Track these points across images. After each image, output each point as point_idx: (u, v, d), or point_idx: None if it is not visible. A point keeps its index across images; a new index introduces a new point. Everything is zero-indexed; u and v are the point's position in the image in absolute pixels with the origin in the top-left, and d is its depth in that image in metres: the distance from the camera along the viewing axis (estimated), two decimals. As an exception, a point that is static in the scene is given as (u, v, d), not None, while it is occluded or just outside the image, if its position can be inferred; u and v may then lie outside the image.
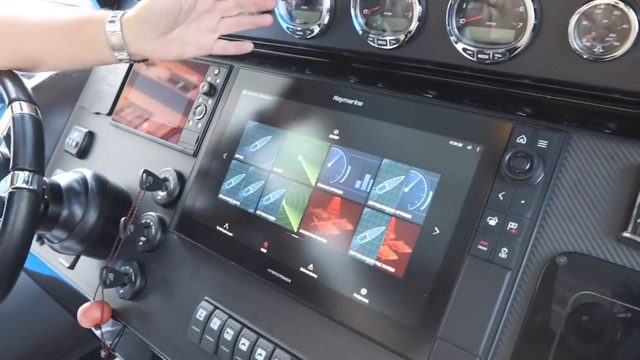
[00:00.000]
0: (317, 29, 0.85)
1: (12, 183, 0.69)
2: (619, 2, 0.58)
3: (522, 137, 0.66)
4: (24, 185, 0.69)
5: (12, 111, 0.73)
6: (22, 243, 0.68)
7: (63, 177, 0.98)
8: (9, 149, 0.83)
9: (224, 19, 0.82)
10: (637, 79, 0.60)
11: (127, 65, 1.17)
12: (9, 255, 0.67)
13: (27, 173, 0.69)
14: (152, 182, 0.94)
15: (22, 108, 0.73)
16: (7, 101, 0.75)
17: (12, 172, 0.69)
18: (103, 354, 0.99)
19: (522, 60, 0.68)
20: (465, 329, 0.64)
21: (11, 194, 0.68)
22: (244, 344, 0.79)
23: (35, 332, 1.29)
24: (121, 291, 0.97)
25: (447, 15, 0.71)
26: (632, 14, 0.58)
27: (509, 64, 0.69)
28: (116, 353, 1.03)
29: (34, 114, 0.73)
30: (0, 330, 1.23)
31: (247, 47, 0.86)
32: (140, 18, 0.76)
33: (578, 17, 0.61)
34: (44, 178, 0.85)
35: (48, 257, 1.14)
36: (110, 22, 0.76)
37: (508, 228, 0.64)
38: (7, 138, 0.81)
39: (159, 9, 0.74)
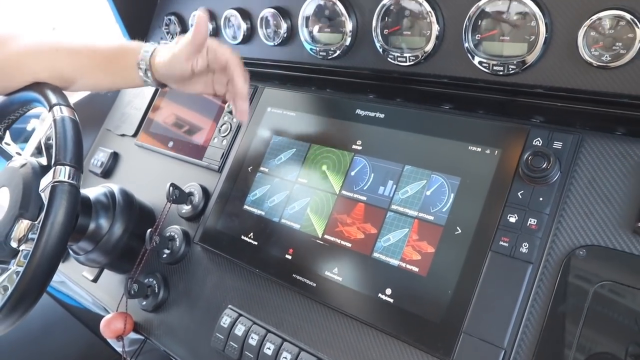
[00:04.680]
0: (339, 50, 0.91)
1: (54, 177, 0.72)
2: (623, 13, 0.64)
3: (538, 140, 0.71)
4: (66, 180, 0.72)
5: (54, 115, 0.78)
6: (63, 235, 0.71)
7: (92, 191, 1.02)
8: (47, 154, 0.88)
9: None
10: (643, 83, 0.65)
11: (153, 90, 1.23)
12: (50, 246, 0.70)
13: (68, 168, 0.73)
14: (178, 195, 0.97)
15: (63, 111, 0.78)
16: (48, 107, 0.80)
17: (54, 168, 0.73)
18: (123, 367, 0.99)
19: (535, 71, 0.73)
20: (489, 322, 0.66)
21: (53, 187, 0.72)
22: (269, 349, 0.81)
23: (60, 354, 1.29)
24: (144, 303, 0.99)
25: (463, 32, 0.77)
26: (635, 24, 0.63)
27: (523, 75, 0.74)
28: (136, 367, 1.03)
29: (73, 116, 0.78)
30: (25, 352, 1.24)
31: (243, 118, 0.90)
32: (163, 69, 0.86)
33: (586, 29, 0.67)
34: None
35: (70, 273, 1.16)
36: (142, 60, 0.86)
37: (528, 224, 0.68)
38: (47, 144, 0.85)
39: (174, 71, 0.85)
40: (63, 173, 0.75)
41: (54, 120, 0.79)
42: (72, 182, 0.75)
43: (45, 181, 0.77)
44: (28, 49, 0.87)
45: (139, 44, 0.88)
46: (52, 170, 0.75)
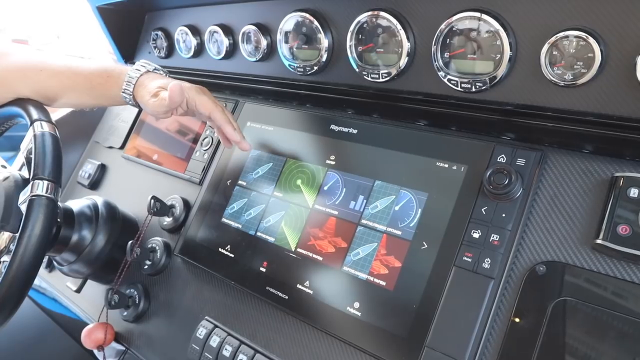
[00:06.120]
0: (316, 66, 0.92)
1: (32, 191, 0.74)
2: (582, 33, 0.65)
3: (502, 157, 0.72)
4: (43, 193, 0.74)
5: (34, 130, 0.80)
6: (39, 246, 0.72)
7: (76, 203, 1.04)
8: (28, 168, 0.90)
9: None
10: (603, 102, 0.66)
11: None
12: (27, 258, 0.71)
13: (46, 182, 0.75)
14: (160, 207, 0.99)
15: (43, 127, 0.80)
16: (29, 122, 0.82)
17: (32, 182, 0.75)
18: (104, 377, 1.00)
19: (501, 88, 0.74)
20: (452, 337, 0.67)
21: (31, 201, 0.73)
22: (241, 360, 0.82)
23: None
24: (125, 313, 1.00)
25: (432, 50, 0.79)
26: (594, 44, 0.64)
27: (490, 92, 0.75)
28: (117, 377, 1.04)
29: (53, 132, 0.80)
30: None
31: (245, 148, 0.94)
32: (144, 107, 0.88)
33: (548, 48, 0.68)
34: (58, 203, 0.92)
35: (56, 283, 1.18)
36: (125, 89, 0.89)
37: (490, 240, 0.68)
38: (28, 157, 0.87)
39: (156, 113, 0.87)
40: (41, 187, 0.77)
41: (34, 136, 0.82)
42: (49, 196, 0.77)
43: (24, 195, 0.79)
44: (14, 67, 0.89)
45: (122, 69, 0.90)
46: (30, 184, 0.78)
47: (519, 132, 0.75)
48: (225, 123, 0.89)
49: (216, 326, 0.88)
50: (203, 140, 1.08)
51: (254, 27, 1.00)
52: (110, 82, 0.89)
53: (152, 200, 0.98)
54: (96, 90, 0.90)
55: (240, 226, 0.93)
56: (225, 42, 1.06)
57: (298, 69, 0.95)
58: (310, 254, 0.83)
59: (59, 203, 0.94)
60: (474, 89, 0.76)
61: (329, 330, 0.77)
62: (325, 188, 0.86)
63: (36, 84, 0.89)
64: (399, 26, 0.81)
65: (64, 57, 0.92)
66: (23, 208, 0.79)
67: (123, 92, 0.89)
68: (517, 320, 0.65)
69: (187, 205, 1.03)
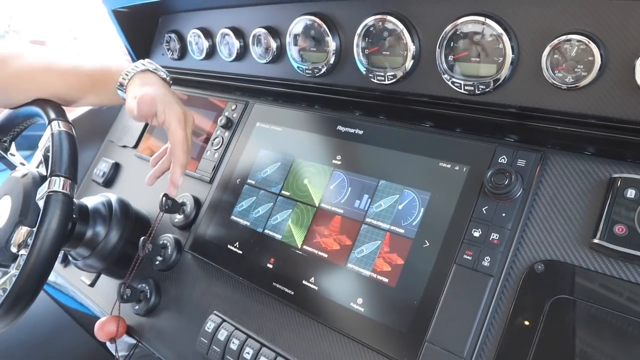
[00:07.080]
0: (324, 68, 0.95)
1: (49, 187, 0.77)
2: (582, 37, 0.66)
3: (503, 157, 0.73)
4: (60, 190, 0.77)
5: (52, 129, 0.83)
6: (55, 240, 0.76)
7: (90, 200, 1.07)
8: (46, 165, 0.93)
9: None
10: (604, 104, 0.67)
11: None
12: (44, 251, 0.75)
13: (62, 179, 0.78)
14: (171, 205, 1.02)
15: (60, 126, 0.84)
16: (47, 121, 0.85)
17: (49, 178, 0.78)
18: (116, 369, 1.04)
19: (504, 91, 0.76)
20: (451, 332, 0.69)
21: (48, 197, 0.77)
22: (248, 353, 0.84)
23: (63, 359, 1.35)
24: (136, 307, 1.03)
25: (437, 53, 0.80)
26: (594, 47, 0.66)
27: (493, 95, 0.77)
28: (128, 369, 1.07)
29: (69, 131, 0.83)
30: (28, 358, 1.29)
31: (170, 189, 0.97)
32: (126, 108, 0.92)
33: (549, 51, 0.70)
34: (74, 200, 0.95)
35: (71, 278, 1.22)
36: (120, 85, 0.92)
37: (490, 238, 0.70)
38: (45, 155, 0.91)
39: (130, 115, 0.90)
40: (58, 183, 0.80)
41: (52, 134, 0.85)
42: (65, 192, 0.80)
43: (42, 190, 0.83)
44: (25, 69, 0.92)
45: (120, 67, 0.93)
46: (47, 181, 0.81)
47: (522, 133, 0.77)
48: (178, 165, 0.92)
49: (224, 320, 0.90)
50: (214, 140, 1.11)
51: (264, 30, 1.02)
52: (108, 79, 0.92)
53: (164, 198, 1.01)
54: (97, 88, 0.94)
55: (248, 224, 0.95)
56: (236, 44, 1.08)
57: (307, 71, 0.98)
58: (316, 251, 0.85)
59: (74, 200, 0.97)
60: (477, 92, 0.78)
61: (333, 325, 0.79)
62: (331, 187, 0.88)
63: (45, 84, 0.92)
64: (404, 30, 0.83)
65: (70, 56, 0.95)
66: (40, 204, 0.83)
67: (118, 88, 0.92)
68: (515, 317, 0.66)
69: (197, 203, 1.06)
